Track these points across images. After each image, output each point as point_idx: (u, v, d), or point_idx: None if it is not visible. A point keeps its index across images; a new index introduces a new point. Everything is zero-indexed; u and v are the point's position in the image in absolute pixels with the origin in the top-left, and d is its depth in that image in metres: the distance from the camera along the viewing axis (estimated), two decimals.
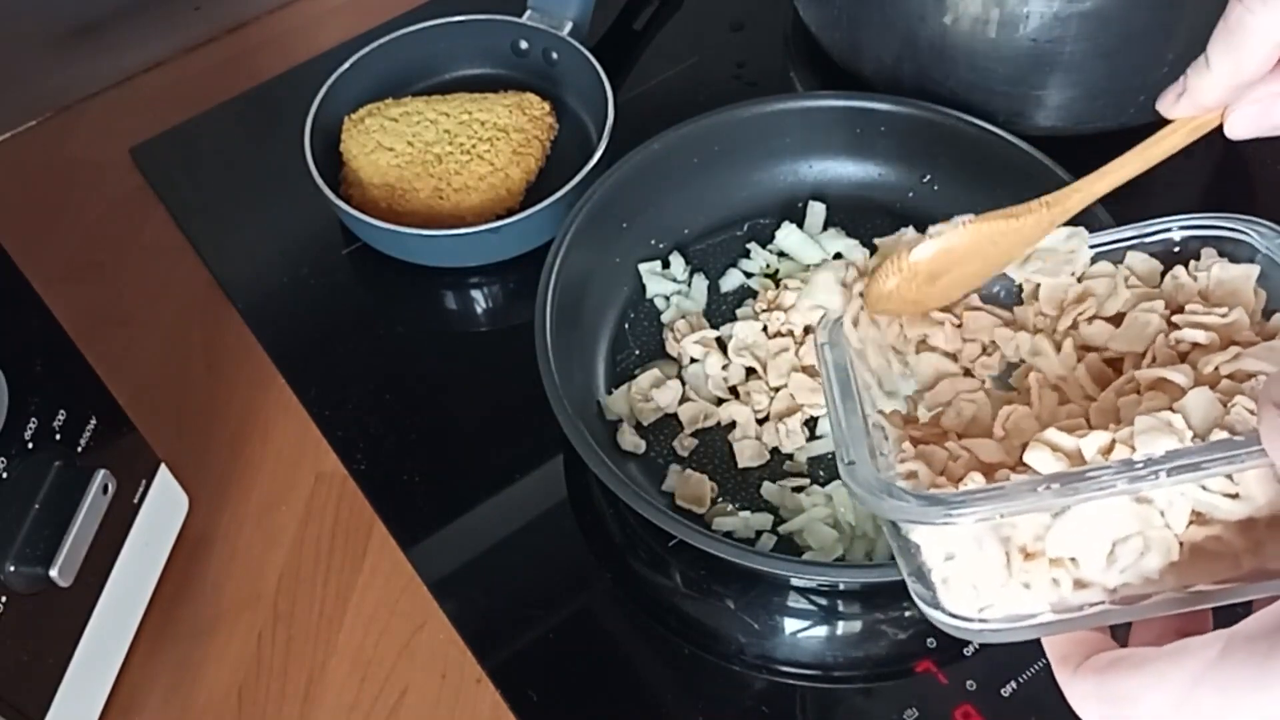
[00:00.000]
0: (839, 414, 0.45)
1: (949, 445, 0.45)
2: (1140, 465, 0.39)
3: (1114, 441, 0.41)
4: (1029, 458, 0.41)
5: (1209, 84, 0.45)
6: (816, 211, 0.74)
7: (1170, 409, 0.41)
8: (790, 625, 0.63)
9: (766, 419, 0.67)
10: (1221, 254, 0.48)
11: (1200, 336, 0.45)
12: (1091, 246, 0.49)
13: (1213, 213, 0.48)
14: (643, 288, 0.72)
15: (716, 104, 0.73)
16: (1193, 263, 0.48)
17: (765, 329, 0.69)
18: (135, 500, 0.61)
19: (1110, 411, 0.45)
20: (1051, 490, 0.39)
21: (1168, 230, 0.49)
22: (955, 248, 0.53)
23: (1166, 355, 0.46)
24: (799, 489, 0.64)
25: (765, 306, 0.70)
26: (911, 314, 0.55)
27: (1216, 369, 0.43)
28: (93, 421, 0.57)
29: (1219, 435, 0.40)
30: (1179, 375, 0.43)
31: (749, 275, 0.73)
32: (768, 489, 0.64)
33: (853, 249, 0.73)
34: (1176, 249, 0.49)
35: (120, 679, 0.62)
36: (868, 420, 0.45)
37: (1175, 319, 0.47)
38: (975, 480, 0.42)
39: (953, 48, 0.73)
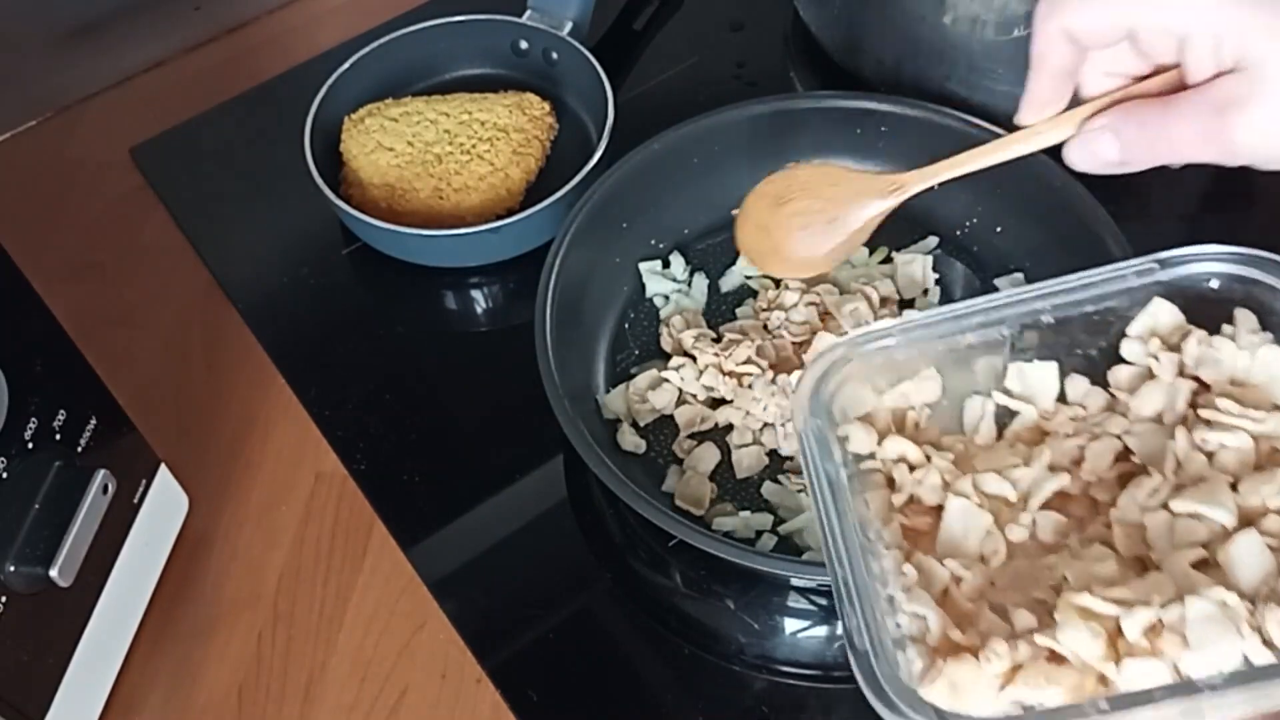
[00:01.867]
0: (834, 539, 0.39)
1: (948, 562, 0.41)
2: (1201, 689, 0.35)
3: (1160, 622, 0.37)
4: (1063, 636, 0.37)
5: (1028, 95, 0.51)
6: None
7: (1211, 555, 0.37)
8: (790, 625, 0.63)
9: (764, 426, 0.67)
10: (1259, 306, 0.42)
11: (1230, 440, 0.40)
12: (1103, 280, 0.45)
13: (1260, 251, 0.43)
14: (643, 287, 0.72)
15: (716, 104, 0.73)
16: (1226, 328, 0.43)
17: (765, 327, 0.69)
18: (135, 500, 0.61)
19: (1136, 531, 0.40)
20: (1100, 713, 0.36)
21: (1196, 262, 0.43)
22: (798, 176, 0.59)
23: (1196, 464, 0.40)
24: (800, 489, 0.64)
25: (765, 306, 0.70)
26: (764, 248, 0.60)
27: (1264, 502, 0.38)
28: (93, 421, 0.57)
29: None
30: (1221, 513, 0.38)
31: (749, 276, 0.73)
32: (768, 489, 0.64)
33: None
34: (1210, 282, 0.43)
35: (120, 679, 0.62)
36: (869, 539, 0.40)
37: (1203, 412, 0.41)
38: (998, 652, 0.37)
39: (953, 48, 0.73)
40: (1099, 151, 0.50)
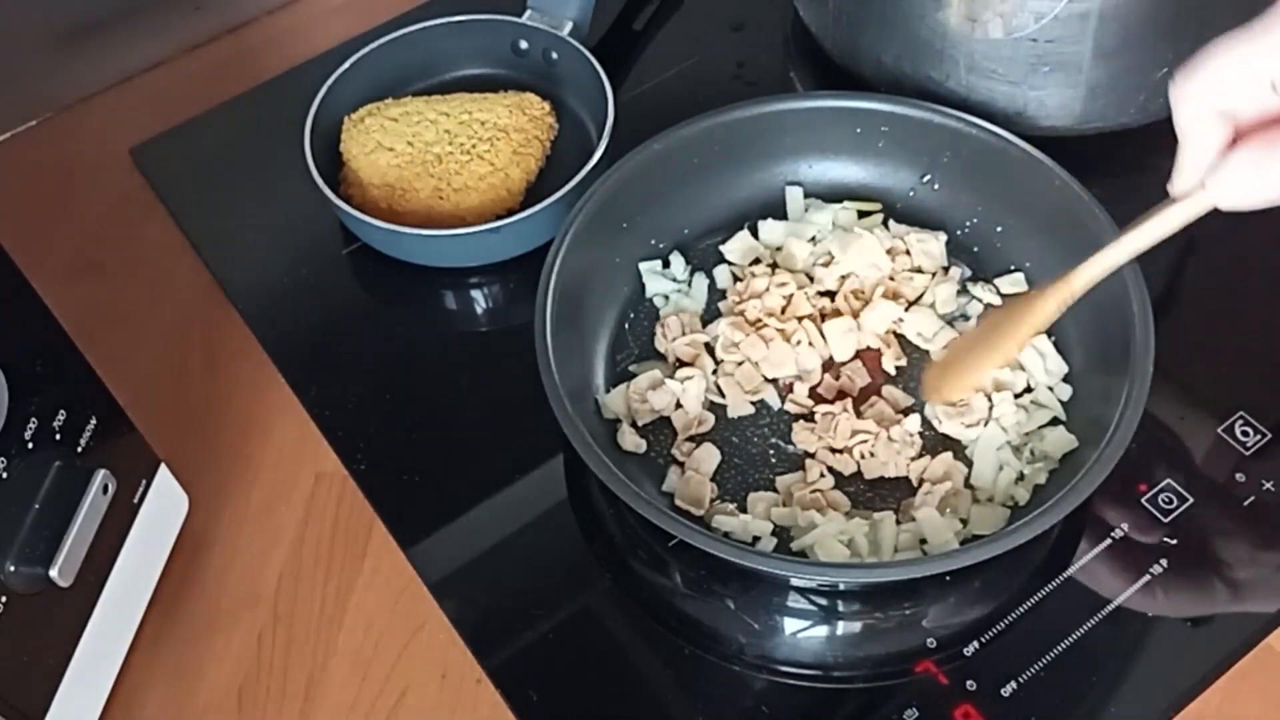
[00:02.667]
0: None
1: None
2: None
3: None
4: None
5: (1179, 166, 0.50)
6: (795, 196, 0.74)
7: None
8: (790, 625, 0.63)
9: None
10: None
11: None
12: None
13: None
14: (643, 288, 0.72)
15: (716, 104, 0.73)
16: None
17: (748, 320, 0.69)
18: (135, 500, 0.61)
19: None
20: None
21: None
22: (960, 341, 0.64)
23: None
24: (811, 505, 0.63)
25: (738, 299, 0.70)
26: (941, 379, 0.65)
27: None
28: (93, 421, 0.57)
29: None
30: None
31: (737, 280, 0.73)
32: (777, 513, 0.64)
33: (835, 214, 0.74)
34: None
35: (120, 679, 0.62)
36: None
37: None
38: None
39: (953, 48, 0.73)
40: (1244, 187, 0.48)
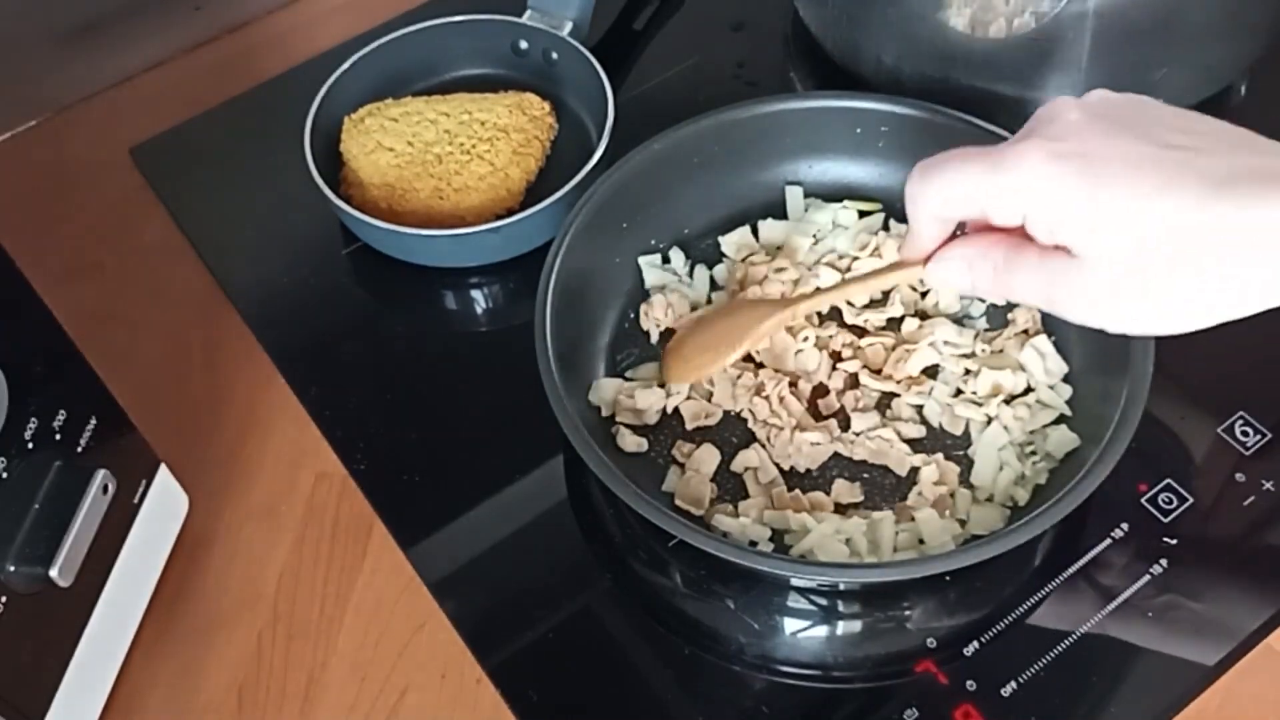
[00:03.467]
0: None
1: None
2: None
3: None
4: None
5: (906, 242, 0.55)
6: (795, 196, 0.74)
7: None
8: (790, 625, 0.63)
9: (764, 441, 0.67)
10: None
11: None
12: None
13: None
14: (643, 288, 0.72)
15: (716, 104, 0.73)
16: None
17: None
18: (135, 500, 0.61)
19: None
20: None
21: None
22: (696, 327, 0.67)
23: None
24: (807, 507, 0.64)
25: (738, 288, 0.70)
26: (672, 362, 0.66)
27: None
28: (93, 421, 0.57)
29: None
30: None
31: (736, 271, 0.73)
32: (770, 516, 0.64)
33: (835, 214, 0.74)
34: None
35: (120, 679, 0.62)
36: None
37: None
38: None
39: (953, 47, 0.73)
40: (952, 278, 0.53)
